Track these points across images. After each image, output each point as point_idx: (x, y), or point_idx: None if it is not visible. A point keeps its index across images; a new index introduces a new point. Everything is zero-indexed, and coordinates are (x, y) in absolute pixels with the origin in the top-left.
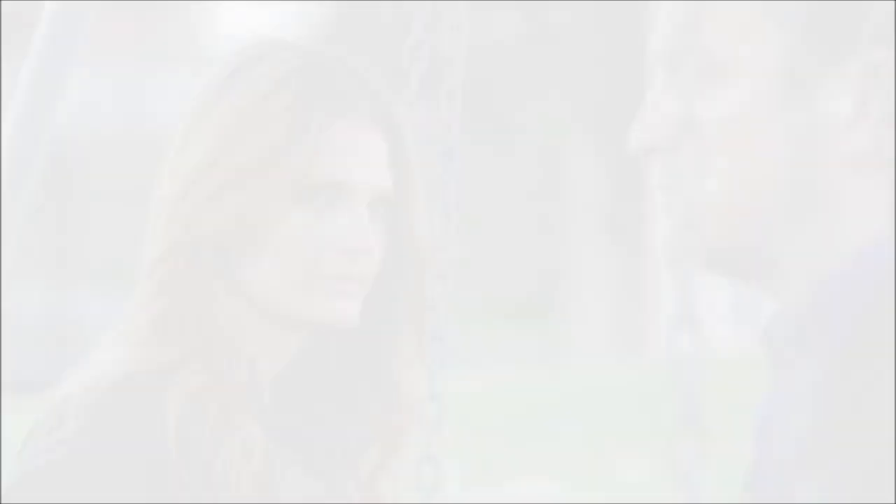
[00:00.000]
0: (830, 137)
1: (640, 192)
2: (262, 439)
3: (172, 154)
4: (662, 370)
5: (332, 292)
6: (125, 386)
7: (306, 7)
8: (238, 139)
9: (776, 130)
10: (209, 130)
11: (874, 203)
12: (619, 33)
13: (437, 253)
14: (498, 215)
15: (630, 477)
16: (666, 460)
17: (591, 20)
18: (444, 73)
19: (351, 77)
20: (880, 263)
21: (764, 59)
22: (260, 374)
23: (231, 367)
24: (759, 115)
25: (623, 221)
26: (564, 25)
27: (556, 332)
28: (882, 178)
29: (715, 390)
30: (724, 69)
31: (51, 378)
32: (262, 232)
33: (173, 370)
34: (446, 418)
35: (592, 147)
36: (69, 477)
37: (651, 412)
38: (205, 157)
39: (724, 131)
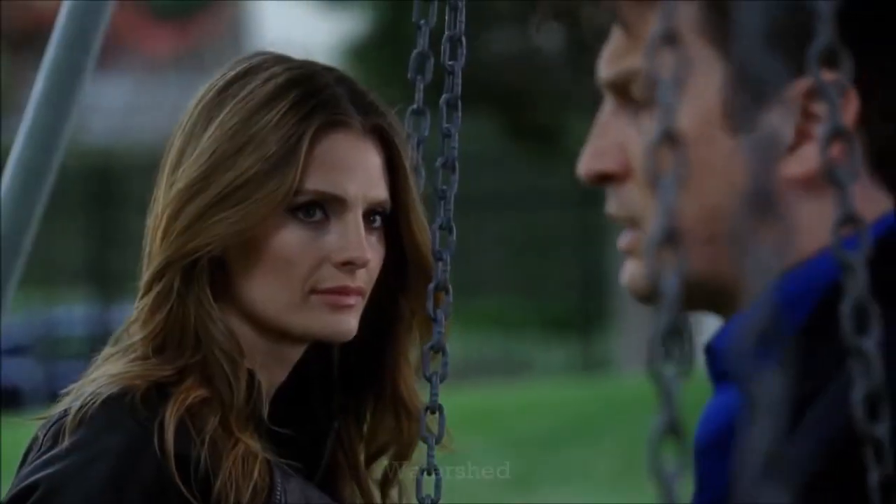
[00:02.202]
0: (780, 159)
1: None
2: (261, 453)
3: (167, 170)
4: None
5: (329, 305)
6: (122, 401)
7: (350, 19)
8: (231, 155)
9: (724, 155)
10: (202, 146)
11: (828, 222)
12: None
13: (437, 264)
14: (540, 226)
15: None
16: None
17: None
18: (446, 86)
19: (344, 90)
20: (828, 270)
21: (709, 86)
22: (259, 386)
23: (229, 382)
24: (705, 139)
25: None
26: (607, 33)
27: (597, 343)
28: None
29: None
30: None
31: None
32: (257, 247)
33: (171, 385)
34: (444, 429)
35: None
36: (65, 493)
37: (687, 422)
38: (198, 173)
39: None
